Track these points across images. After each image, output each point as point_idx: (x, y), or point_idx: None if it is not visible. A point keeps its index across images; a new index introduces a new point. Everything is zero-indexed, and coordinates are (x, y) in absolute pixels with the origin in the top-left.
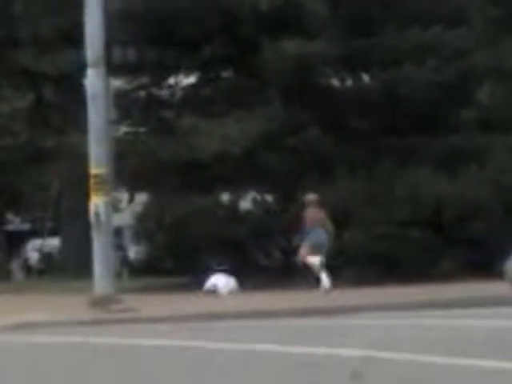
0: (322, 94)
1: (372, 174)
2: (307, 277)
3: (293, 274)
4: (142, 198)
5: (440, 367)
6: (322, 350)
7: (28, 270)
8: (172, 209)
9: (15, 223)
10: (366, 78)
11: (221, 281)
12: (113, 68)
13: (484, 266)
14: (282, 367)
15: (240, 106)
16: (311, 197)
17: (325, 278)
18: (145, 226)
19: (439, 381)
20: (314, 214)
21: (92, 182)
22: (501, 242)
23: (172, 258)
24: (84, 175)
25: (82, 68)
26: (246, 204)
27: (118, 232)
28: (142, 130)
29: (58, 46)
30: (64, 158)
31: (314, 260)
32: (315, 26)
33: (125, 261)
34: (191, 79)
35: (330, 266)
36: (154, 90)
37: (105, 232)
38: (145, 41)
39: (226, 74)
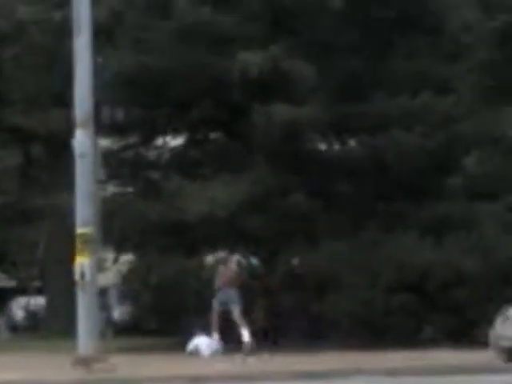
0: (309, 158)
1: (358, 238)
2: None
3: (277, 336)
4: (127, 258)
5: None
6: None
7: (13, 328)
8: (158, 269)
9: (1, 281)
10: (353, 143)
11: (204, 342)
12: (101, 128)
13: (467, 334)
14: None
15: (227, 168)
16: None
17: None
18: (130, 286)
19: None
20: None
21: (78, 241)
22: (485, 310)
23: (157, 318)
24: (70, 234)
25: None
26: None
27: (103, 292)
28: (129, 190)
29: (47, 105)
30: (51, 217)
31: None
32: (304, 92)
33: (109, 321)
34: (179, 140)
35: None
36: (142, 150)
37: (90, 292)
38: (133, 101)
39: (214, 135)
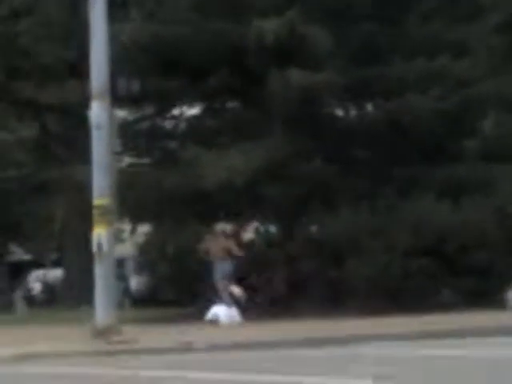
0: (326, 124)
1: (375, 203)
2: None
3: (296, 304)
4: (144, 228)
5: None
6: (330, 380)
7: (31, 300)
8: (175, 239)
9: (17, 254)
10: (369, 107)
11: (222, 311)
12: (117, 99)
13: (487, 296)
14: None
15: (244, 136)
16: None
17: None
18: (147, 257)
19: None
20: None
21: (95, 212)
22: (504, 272)
23: (174, 288)
24: (87, 206)
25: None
26: (249, 234)
27: (120, 263)
28: (145, 160)
29: (63, 78)
30: (67, 189)
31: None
32: (320, 57)
33: (127, 291)
34: (195, 110)
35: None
36: (158, 121)
37: (107, 263)
38: (149, 72)
39: (230, 104)
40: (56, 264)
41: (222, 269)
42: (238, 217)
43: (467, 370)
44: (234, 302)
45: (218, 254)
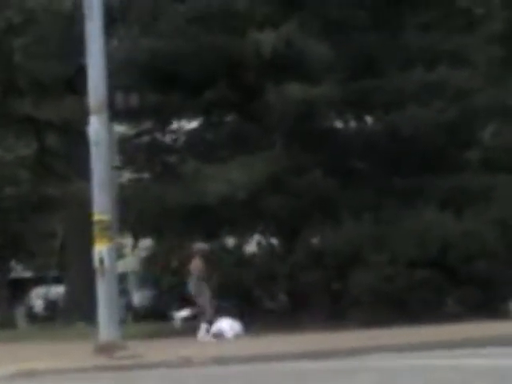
0: (326, 136)
1: (378, 215)
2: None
3: (299, 317)
4: (146, 243)
5: None
6: None
7: (33, 317)
8: (177, 253)
9: (18, 271)
10: (369, 120)
11: (226, 324)
12: (116, 114)
13: (490, 306)
14: None
15: (244, 149)
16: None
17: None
18: (150, 271)
19: None
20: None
21: (96, 228)
22: (507, 282)
23: (177, 302)
24: (88, 222)
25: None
26: (251, 247)
27: (122, 278)
28: (146, 175)
29: (60, 94)
30: (68, 206)
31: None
32: (318, 70)
33: (129, 306)
34: (194, 124)
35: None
36: (158, 135)
37: (109, 278)
38: (147, 86)
39: (229, 118)
40: (57, 281)
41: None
42: (240, 230)
43: (468, 380)
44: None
45: (194, 272)
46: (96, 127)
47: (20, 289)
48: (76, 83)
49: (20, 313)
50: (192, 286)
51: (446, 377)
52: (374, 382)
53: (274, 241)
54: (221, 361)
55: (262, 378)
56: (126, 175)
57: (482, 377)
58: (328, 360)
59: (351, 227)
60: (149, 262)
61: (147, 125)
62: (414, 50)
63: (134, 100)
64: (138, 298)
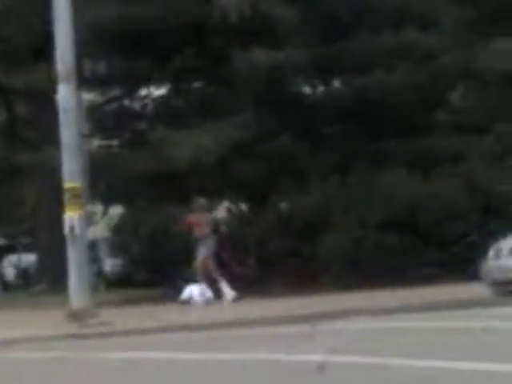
0: (294, 101)
1: (346, 178)
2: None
3: (269, 282)
4: (116, 210)
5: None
6: (302, 357)
7: (4, 285)
8: (147, 220)
9: None
10: (337, 84)
11: (196, 291)
12: (84, 81)
13: (460, 268)
14: (268, 375)
15: (212, 115)
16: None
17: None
18: (120, 239)
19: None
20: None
21: (66, 196)
22: (477, 244)
23: (148, 269)
24: (59, 189)
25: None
26: (220, 213)
27: (93, 245)
28: (115, 142)
29: (29, 62)
30: (39, 173)
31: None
32: (285, 34)
33: (100, 274)
34: (162, 90)
35: (306, 272)
36: (126, 102)
37: (80, 246)
38: (115, 53)
39: (197, 84)
40: (29, 249)
41: (207, 246)
42: (210, 196)
43: (434, 341)
44: (212, 281)
45: (204, 230)
46: (64, 95)
47: None
48: (45, 51)
49: None
50: (203, 246)
51: (410, 337)
52: (331, 344)
53: (244, 206)
54: (188, 327)
55: (219, 343)
56: (96, 142)
57: (448, 337)
58: (297, 325)
59: (319, 191)
60: (119, 229)
61: (116, 92)
62: (382, 12)
63: (101, 67)
64: (109, 265)
